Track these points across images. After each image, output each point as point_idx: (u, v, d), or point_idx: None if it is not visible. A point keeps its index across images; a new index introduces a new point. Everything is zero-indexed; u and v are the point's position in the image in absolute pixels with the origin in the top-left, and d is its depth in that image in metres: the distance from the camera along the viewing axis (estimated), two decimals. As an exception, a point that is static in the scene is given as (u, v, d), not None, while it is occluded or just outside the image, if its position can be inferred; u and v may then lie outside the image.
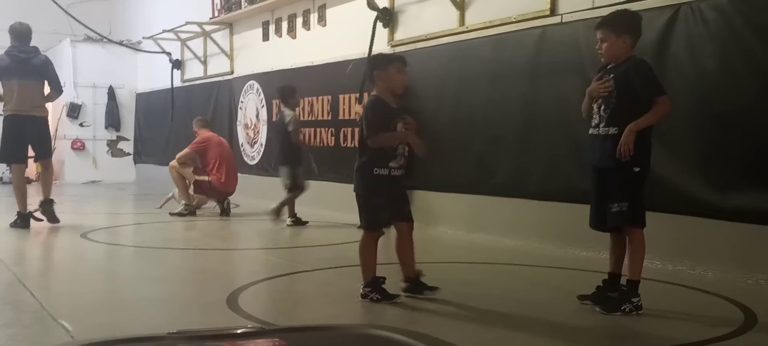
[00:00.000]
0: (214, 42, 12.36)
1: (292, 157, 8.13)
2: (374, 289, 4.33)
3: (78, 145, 15.53)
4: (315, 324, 1.62)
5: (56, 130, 15.34)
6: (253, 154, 11.39)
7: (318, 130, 9.52)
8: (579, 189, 5.40)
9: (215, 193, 9.21)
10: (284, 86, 8.46)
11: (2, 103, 8.17)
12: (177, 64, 13.68)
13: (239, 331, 1.49)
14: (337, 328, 1.65)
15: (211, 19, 12.12)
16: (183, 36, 13.01)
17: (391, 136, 4.30)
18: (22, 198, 7.78)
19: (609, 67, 4.14)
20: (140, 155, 15.77)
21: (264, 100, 10.98)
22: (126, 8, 16.32)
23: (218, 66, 12.47)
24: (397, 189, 4.41)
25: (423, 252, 6.84)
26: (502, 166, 6.85)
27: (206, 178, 9.10)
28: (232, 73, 12.06)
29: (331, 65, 9.27)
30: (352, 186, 4.48)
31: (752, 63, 4.94)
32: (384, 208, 4.37)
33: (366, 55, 8.02)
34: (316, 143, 9.48)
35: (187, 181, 9.17)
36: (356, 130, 5.82)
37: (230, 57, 12.08)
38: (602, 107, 4.09)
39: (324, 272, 5.64)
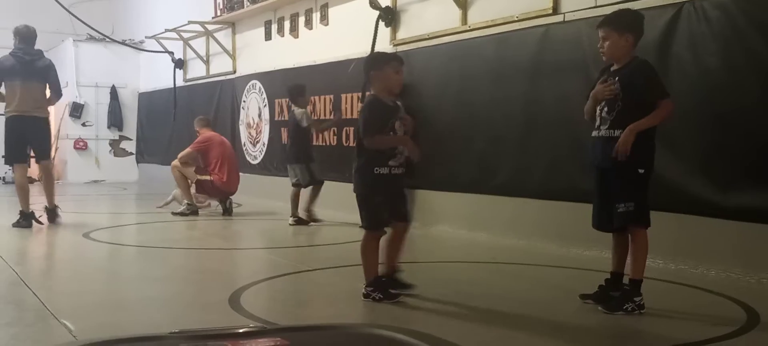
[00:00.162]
0: (217, 41, 12.36)
1: (305, 155, 8.15)
2: (376, 288, 4.33)
3: (80, 145, 15.54)
4: (317, 323, 1.61)
5: (59, 129, 15.38)
6: (255, 153, 11.39)
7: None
8: (581, 188, 5.40)
9: (217, 192, 9.21)
10: (293, 86, 8.47)
11: (2, 104, 8.21)
12: (179, 64, 13.69)
13: (241, 330, 1.49)
14: (339, 327, 1.65)
15: (213, 18, 12.13)
16: (185, 35, 13.02)
17: (387, 139, 4.29)
18: (24, 197, 7.81)
19: (612, 69, 4.14)
20: (143, 155, 15.78)
21: (266, 100, 10.98)
22: (128, 8, 16.33)
23: (220, 65, 12.47)
24: (397, 188, 4.42)
25: (424, 251, 6.86)
26: (504, 165, 6.84)
27: (208, 177, 9.11)
28: (234, 72, 12.06)
29: (333, 64, 9.27)
30: (352, 186, 4.48)
31: (755, 62, 4.93)
32: (384, 207, 4.37)
33: (369, 53, 8.01)
34: (317, 143, 9.48)
35: (189, 180, 9.17)
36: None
37: (232, 56, 12.08)
38: (606, 109, 4.09)
39: (326, 271, 5.64)
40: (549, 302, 4.53)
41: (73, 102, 15.20)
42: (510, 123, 6.77)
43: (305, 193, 8.19)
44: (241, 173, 9.73)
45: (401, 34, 8.27)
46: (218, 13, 12.00)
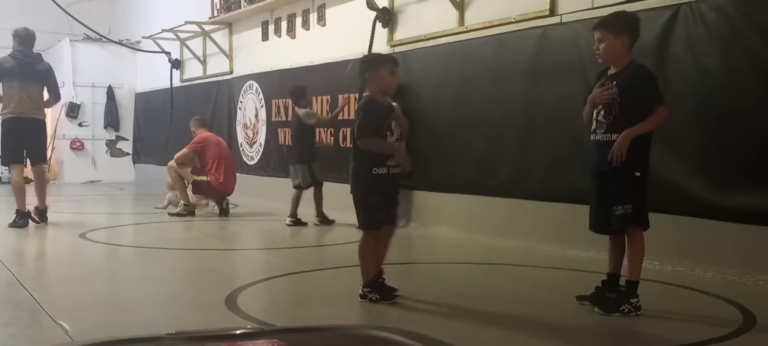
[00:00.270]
0: (214, 42, 12.35)
1: (308, 155, 8.16)
2: (373, 289, 4.33)
3: (77, 145, 15.52)
4: (314, 325, 1.61)
5: (55, 130, 15.35)
6: (252, 154, 11.38)
7: (317, 130, 9.50)
8: (580, 189, 5.39)
9: (214, 193, 9.20)
10: (295, 87, 8.48)
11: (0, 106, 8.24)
12: (176, 64, 13.68)
13: (238, 332, 1.48)
14: (336, 329, 1.64)
15: (210, 18, 12.11)
16: (182, 36, 13.00)
17: (380, 144, 4.28)
18: (21, 197, 7.83)
19: (610, 73, 4.14)
20: (139, 155, 15.76)
21: (263, 100, 10.97)
22: (125, 8, 16.31)
23: (217, 66, 12.46)
24: (393, 188, 4.44)
25: (423, 252, 6.87)
26: (503, 166, 6.84)
27: (205, 178, 9.10)
28: (231, 73, 12.05)
29: (330, 65, 9.26)
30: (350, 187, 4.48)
31: (753, 63, 4.94)
32: (382, 207, 4.38)
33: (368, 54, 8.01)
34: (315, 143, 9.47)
35: (185, 181, 9.16)
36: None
37: (229, 57, 12.07)
38: (602, 113, 4.10)
39: (323, 272, 5.64)
40: (547, 303, 4.53)
41: (70, 102, 15.17)
42: (508, 124, 6.77)
43: (311, 197, 8.18)
44: (237, 174, 9.72)
45: (398, 35, 8.27)
46: (215, 14, 11.99)
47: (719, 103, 5.10)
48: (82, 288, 4.95)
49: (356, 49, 8.50)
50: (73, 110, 15.38)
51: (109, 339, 1.40)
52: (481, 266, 5.84)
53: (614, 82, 4.06)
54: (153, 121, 14.79)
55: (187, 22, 12.18)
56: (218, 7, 11.90)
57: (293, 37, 10.32)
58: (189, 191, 9.21)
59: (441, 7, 7.53)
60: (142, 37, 14.16)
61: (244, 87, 11.51)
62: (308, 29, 9.98)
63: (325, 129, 9.13)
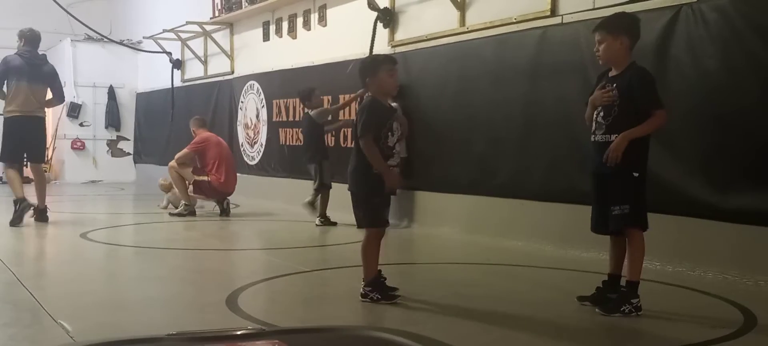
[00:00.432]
0: (215, 42, 12.36)
1: (320, 153, 8.17)
2: (375, 289, 4.34)
3: (78, 145, 15.52)
4: (315, 325, 1.61)
5: (56, 130, 15.36)
6: (253, 154, 11.39)
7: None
8: (580, 190, 5.40)
9: (214, 193, 9.20)
10: (303, 88, 8.50)
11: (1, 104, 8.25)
12: (177, 64, 13.68)
13: (239, 332, 1.48)
14: (337, 329, 1.65)
15: (211, 18, 12.12)
16: (183, 36, 13.01)
17: (378, 158, 4.28)
18: (17, 186, 7.86)
19: (611, 75, 4.15)
20: (140, 155, 15.76)
21: (264, 101, 10.97)
22: (126, 8, 16.32)
23: (218, 66, 12.47)
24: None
25: (423, 253, 6.87)
26: (503, 166, 6.84)
27: (206, 178, 9.10)
28: (232, 73, 12.05)
29: (331, 65, 9.26)
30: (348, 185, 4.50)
31: (753, 64, 4.94)
32: (383, 206, 4.42)
33: (366, 56, 8.01)
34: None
35: (186, 181, 9.16)
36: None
37: (230, 57, 12.07)
38: (602, 115, 4.11)
39: (324, 272, 5.64)
40: (547, 303, 4.53)
41: (71, 102, 15.17)
42: (509, 124, 6.77)
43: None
44: (238, 174, 9.72)
45: (399, 36, 8.27)
46: (216, 14, 12.00)
47: (720, 103, 5.10)
48: (83, 288, 4.95)
49: (357, 50, 8.51)
50: (74, 110, 15.38)
51: (110, 340, 1.40)
52: (482, 267, 5.84)
53: (614, 85, 4.07)
54: (154, 122, 14.79)
55: (188, 22, 12.19)
56: (219, 7, 11.91)
57: (294, 37, 10.32)
58: (189, 191, 9.21)
59: (442, 8, 7.54)
60: (144, 38, 14.16)
61: (245, 87, 11.51)
62: (309, 29, 9.99)
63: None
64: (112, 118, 15.85)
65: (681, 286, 4.88)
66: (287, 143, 10.37)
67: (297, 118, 9.88)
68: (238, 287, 4.76)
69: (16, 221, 7.74)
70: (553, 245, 6.16)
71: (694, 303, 4.53)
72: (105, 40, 14.66)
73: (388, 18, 8.31)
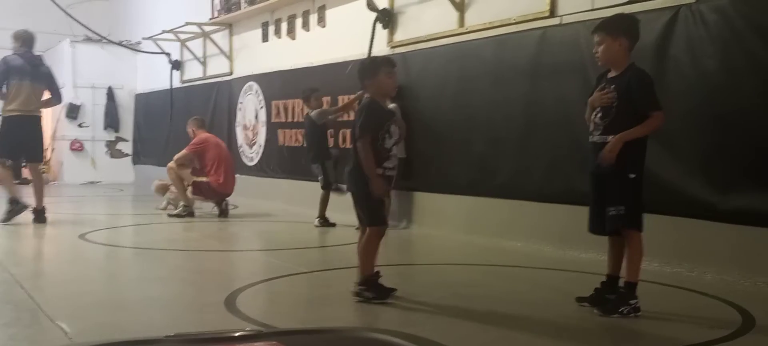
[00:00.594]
0: (214, 43, 12.35)
1: (323, 153, 8.17)
2: (369, 287, 4.35)
3: (77, 146, 15.51)
4: (313, 327, 1.61)
5: (55, 130, 15.35)
6: (251, 155, 11.38)
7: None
8: (579, 191, 5.39)
9: (213, 194, 9.20)
10: (306, 88, 8.51)
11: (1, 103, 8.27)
12: (176, 65, 13.67)
13: (237, 334, 1.48)
14: (336, 331, 1.64)
15: (210, 19, 12.12)
16: (182, 37, 13.01)
17: (371, 163, 4.28)
18: (9, 185, 7.90)
19: (610, 76, 4.15)
20: (139, 156, 15.75)
21: (263, 102, 10.97)
22: (126, 9, 16.31)
23: (217, 67, 12.46)
24: (388, 189, 4.52)
25: (423, 253, 6.87)
26: (502, 167, 6.84)
27: (204, 179, 9.10)
28: (231, 74, 12.05)
29: (330, 66, 9.26)
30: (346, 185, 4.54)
31: (753, 64, 4.94)
32: (383, 205, 4.47)
33: (365, 57, 8.01)
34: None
35: (185, 182, 9.16)
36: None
37: (229, 58, 12.07)
38: (600, 116, 4.11)
39: (323, 273, 5.63)
40: (546, 304, 4.53)
41: (70, 103, 15.16)
42: (508, 125, 6.77)
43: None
44: (237, 175, 9.72)
45: (398, 36, 8.27)
46: (215, 15, 12.00)
47: (719, 104, 5.10)
48: (82, 289, 4.95)
49: (356, 51, 8.51)
50: (73, 111, 15.37)
51: (109, 341, 1.40)
52: (481, 267, 5.84)
53: (613, 86, 4.08)
54: (153, 123, 14.79)
55: (187, 23, 12.19)
56: (218, 8, 11.91)
57: (293, 38, 10.32)
58: (188, 192, 9.20)
59: (441, 9, 7.54)
60: (143, 38, 14.16)
61: (244, 88, 11.51)
62: (308, 30, 9.99)
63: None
64: (111, 119, 15.83)
65: (680, 287, 4.88)
66: (286, 145, 10.37)
67: (296, 119, 9.89)
68: (237, 288, 4.75)
69: (6, 218, 7.77)
70: (552, 246, 6.16)
71: (693, 304, 4.53)
72: (104, 41, 14.65)
73: (387, 19, 8.31)
